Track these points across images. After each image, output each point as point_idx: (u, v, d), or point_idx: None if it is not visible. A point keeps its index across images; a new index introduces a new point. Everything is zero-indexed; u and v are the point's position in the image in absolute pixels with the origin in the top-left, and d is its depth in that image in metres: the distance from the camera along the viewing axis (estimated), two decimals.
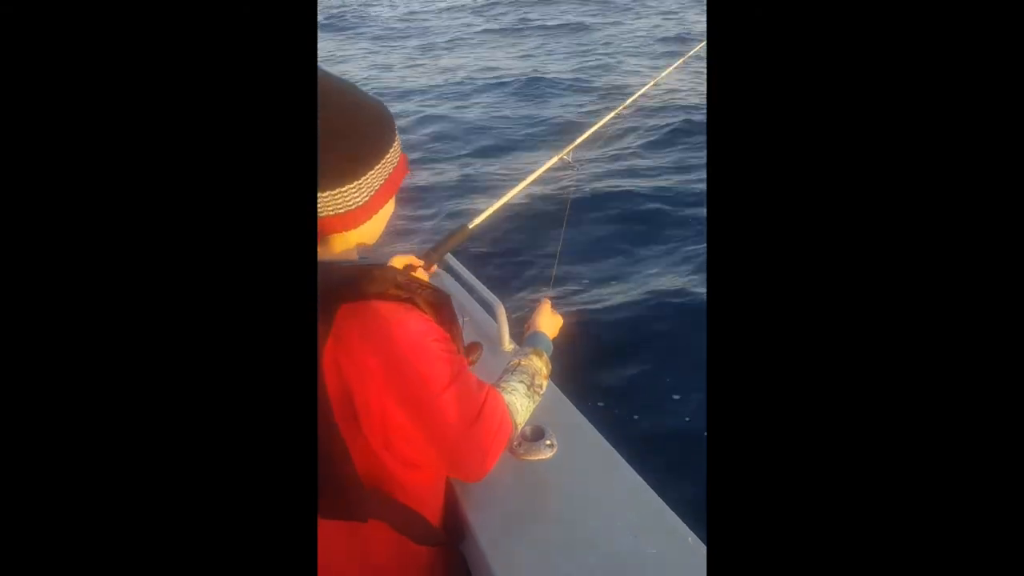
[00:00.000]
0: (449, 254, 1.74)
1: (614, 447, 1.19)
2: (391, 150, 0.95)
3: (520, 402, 1.11)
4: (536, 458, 1.17)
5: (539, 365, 1.20)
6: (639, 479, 1.10)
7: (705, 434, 0.51)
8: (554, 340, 1.31)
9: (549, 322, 1.34)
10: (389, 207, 1.00)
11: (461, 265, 1.78)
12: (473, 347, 1.13)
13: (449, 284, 1.86)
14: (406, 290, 0.93)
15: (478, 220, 1.53)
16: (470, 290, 1.76)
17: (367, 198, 0.93)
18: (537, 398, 1.16)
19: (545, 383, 1.20)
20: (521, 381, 1.14)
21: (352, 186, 0.90)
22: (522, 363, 1.18)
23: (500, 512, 1.07)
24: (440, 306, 0.97)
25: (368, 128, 0.92)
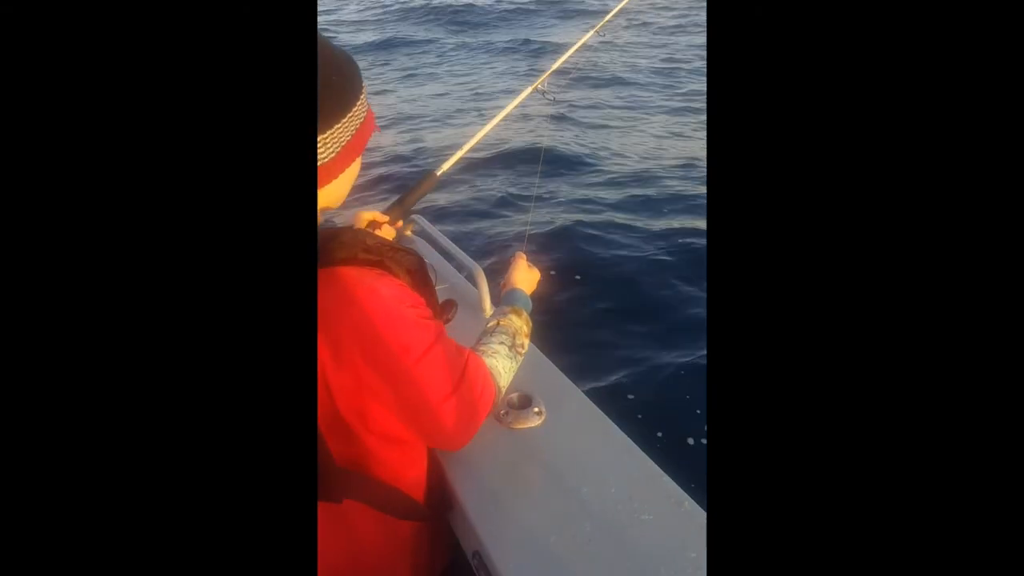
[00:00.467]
0: (423, 218, 1.66)
1: (605, 412, 1.15)
2: (358, 103, 0.86)
3: (502, 364, 1.06)
4: (524, 426, 1.12)
5: (519, 324, 1.14)
6: (632, 444, 1.06)
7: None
8: (532, 295, 1.26)
9: (526, 277, 1.28)
10: (355, 166, 0.91)
11: (435, 228, 1.71)
12: (448, 304, 1.08)
13: (423, 249, 1.79)
14: (376, 253, 0.86)
15: (446, 166, 1.41)
16: (446, 255, 1.70)
17: (334, 154, 0.84)
18: (519, 358, 1.11)
19: (527, 342, 1.14)
20: (502, 343, 1.08)
21: (318, 140, 0.82)
22: (501, 323, 1.13)
23: (488, 482, 1.02)
24: (413, 270, 0.90)
25: (335, 76, 0.82)
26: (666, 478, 0.99)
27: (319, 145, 0.82)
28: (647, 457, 1.04)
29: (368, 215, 1.26)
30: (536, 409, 1.14)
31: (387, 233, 1.25)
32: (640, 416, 2.42)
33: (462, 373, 0.92)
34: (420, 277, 0.92)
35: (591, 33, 1.87)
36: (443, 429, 0.92)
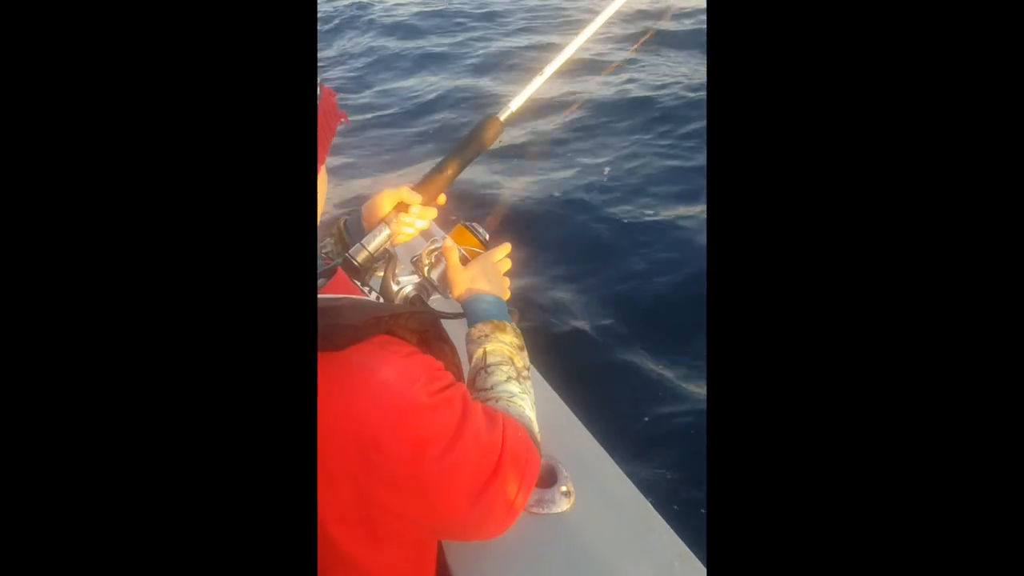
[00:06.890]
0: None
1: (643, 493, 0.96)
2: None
3: (528, 406, 0.81)
4: (549, 512, 0.93)
5: (508, 341, 0.86)
6: (683, 545, 0.87)
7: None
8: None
9: (482, 269, 0.94)
10: (321, 180, 0.70)
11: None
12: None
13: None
14: (375, 325, 0.65)
15: (514, 105, 0.99)
16: None
17: None
18: (528, 383, 0.85)
19: (526, 357, 0.87)
20: (509, 378, 0.82)
21: None
22: (488, 350, 0.84)
23: None
24: (423, 329, 0.71)
25: None
26: None
27: None
28: (695, 558, 0.85)
29: (394, 193, 0.93)
30: (564, 488, 0.95)
31: (424, 216, 0.94)
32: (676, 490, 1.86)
33: (500, 451, 0.69)
34: (433, 334, 0.72)
35: None
36: (481, 527, 0.71)
